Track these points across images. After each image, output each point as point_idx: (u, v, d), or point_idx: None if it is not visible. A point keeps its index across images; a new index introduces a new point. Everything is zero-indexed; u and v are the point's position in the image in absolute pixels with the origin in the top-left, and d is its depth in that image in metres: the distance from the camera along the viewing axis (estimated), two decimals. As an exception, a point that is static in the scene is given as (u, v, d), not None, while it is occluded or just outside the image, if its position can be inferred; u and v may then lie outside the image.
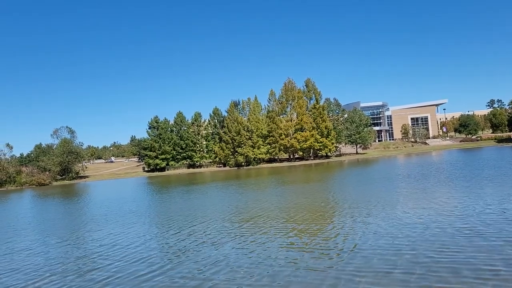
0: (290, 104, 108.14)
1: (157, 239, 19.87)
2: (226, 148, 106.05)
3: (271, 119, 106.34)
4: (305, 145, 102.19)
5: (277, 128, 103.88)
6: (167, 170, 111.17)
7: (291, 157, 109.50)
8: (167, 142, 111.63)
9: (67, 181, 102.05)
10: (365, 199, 26.64)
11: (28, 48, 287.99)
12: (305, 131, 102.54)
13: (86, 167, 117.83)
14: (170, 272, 13.93)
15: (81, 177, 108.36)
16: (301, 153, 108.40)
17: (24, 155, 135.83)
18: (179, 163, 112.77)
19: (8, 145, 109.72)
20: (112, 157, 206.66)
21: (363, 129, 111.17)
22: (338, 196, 29.67)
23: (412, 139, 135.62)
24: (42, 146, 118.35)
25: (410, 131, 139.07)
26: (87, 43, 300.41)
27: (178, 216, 26.56)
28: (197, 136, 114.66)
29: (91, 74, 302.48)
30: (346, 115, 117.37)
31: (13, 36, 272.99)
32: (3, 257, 18.80)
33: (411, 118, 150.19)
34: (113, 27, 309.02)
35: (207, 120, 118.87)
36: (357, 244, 15.36)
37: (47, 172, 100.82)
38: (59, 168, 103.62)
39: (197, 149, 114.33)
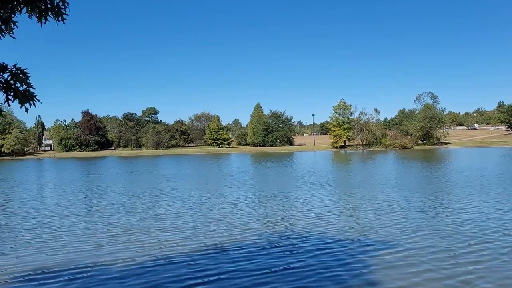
0: None
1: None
2: None
3: None
4: None
5: None
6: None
7: None
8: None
9: (427, 146, 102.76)
10: None
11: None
12: None
13: (447, 133, 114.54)
14: None
15: (442, 143, 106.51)
16: None
17: (388, 120, 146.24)
18: None
19: (375, 109, 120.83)
20: (475, 124, 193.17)
21: None
22: None
23: None
24: (405, 111, 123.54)
25: None
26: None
27: None
28: None
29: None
30: None
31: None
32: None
33: None
34: None
35: None
36: None
37: (409, 136, 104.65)
38: (421, 133, 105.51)
39: None
